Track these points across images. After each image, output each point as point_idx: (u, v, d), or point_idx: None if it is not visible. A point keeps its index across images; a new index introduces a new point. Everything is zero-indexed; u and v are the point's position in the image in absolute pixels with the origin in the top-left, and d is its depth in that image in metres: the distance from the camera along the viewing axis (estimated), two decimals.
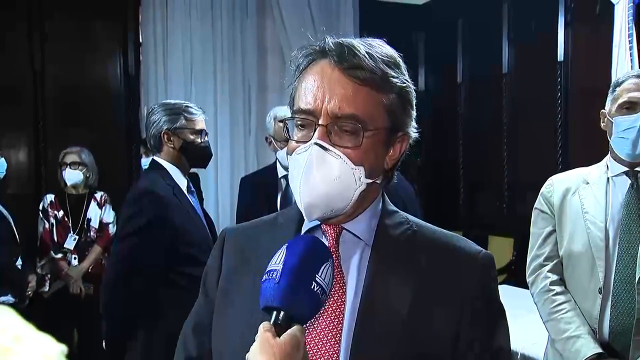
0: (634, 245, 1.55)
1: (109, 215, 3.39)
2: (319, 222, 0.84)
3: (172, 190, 1.96)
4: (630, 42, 2.71)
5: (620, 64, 2.73)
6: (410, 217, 0.88)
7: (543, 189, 1.72)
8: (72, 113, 3.99)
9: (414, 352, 0.77)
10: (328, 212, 0.80)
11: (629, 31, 2.71)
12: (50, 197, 3.32)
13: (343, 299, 0.79)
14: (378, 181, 0.84)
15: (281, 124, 2.36)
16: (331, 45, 0.79)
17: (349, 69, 0.78)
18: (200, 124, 2.06)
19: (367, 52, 0.78)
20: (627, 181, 1.61)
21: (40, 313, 3.19)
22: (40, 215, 3.29)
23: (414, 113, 0.85)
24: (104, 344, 1.95)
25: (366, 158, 0.79)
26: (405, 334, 0.77)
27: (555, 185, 1.69)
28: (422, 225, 0.87)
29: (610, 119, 1.61)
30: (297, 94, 0.82)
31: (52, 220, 3.26)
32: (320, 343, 0.78)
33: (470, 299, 0.80)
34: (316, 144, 0.78)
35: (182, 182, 2.03)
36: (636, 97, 1.56)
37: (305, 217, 0.82)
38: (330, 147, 0.78)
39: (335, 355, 0.77)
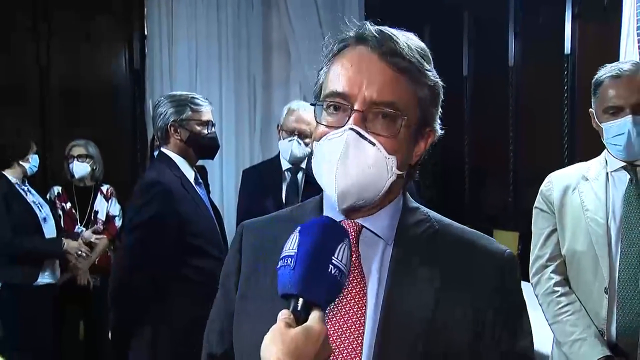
0: (636, 242, 1.53)
1: (114, 208, 3.41)
2: (338, 220, 0.81)
3: (179, 181, 1.96)
4: (639, 34, 2.68)
5: (628, 57, 2.70)
6: (432, 214, 0.86)
7: (542, 187, 1.69)
8: (78, 107, 4.01)
9: (438, 352, 0.76)
10: (359, 202, 0.78)
11: (637, 24, 2.68)
12: (57, 189, 3.36)
13: (364, 300, 0.77)
14: (404, 175, 0.81)
15: (291, 117, 2.37)
16: (372, 31, 0.78)
17: (389, 55, 0.76)
18: (207, 115, 2.06)
19: (405, 42, 0.77)
20: (626, 176, 1.58)
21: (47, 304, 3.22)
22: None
23: (439, 110, 0.84)
24: (110, 334, 1.97)
25: (400, 148, 0.78)
26: (428, 334, 0.75)
27: (554, 182, 1.66)
28: (444, 222, 0.85)
29: (599, 124, 1.59)
30: (328, 78, 0.79)
31: (60, 212, 3.29)
32: (342, 345, 0.75)
33: (492, 300, 0.78)
34: (352, 129, 0.75)
35: (189, 173, 2.04)
36: (618, 103, 1.54)
37: (336, 206, 0.78)
38: (366, 134, 0.75)
39: (358, 356, 0.75)
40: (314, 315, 0.68)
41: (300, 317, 0.68)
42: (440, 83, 0.83)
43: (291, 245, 0.71)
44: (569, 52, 3.55)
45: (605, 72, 1.59)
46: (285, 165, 2.42)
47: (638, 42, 2.73)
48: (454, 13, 4.35)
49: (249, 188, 2.49)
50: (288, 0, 4.20)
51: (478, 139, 4.39)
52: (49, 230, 3.02)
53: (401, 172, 0.79)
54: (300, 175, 2.42)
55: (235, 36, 4.22)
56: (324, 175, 0.78)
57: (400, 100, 0.76)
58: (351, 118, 0.76)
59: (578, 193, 1.61)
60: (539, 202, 1.69)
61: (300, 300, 0.68)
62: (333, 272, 0.69)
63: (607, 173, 1.61)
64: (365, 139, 0.76)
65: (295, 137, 2.34)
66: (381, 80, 0.76)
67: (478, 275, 0.79)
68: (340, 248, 0.71)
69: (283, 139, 2.38)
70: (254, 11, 4.28)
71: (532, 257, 1.70)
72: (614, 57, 2.79)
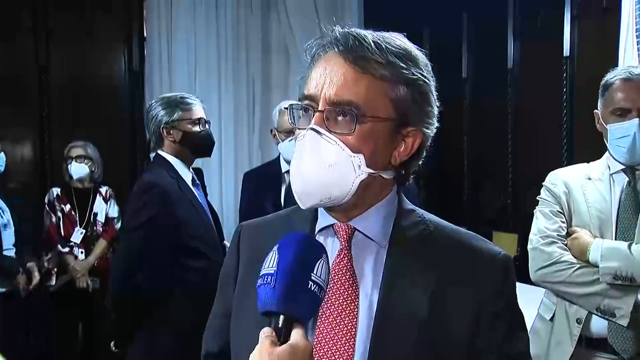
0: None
1: (113, 210, 3.40)
2: (331, 223, 0.82)
3: (176, 183, 1.97)
4: (638, 36, 2.68)
5: (627, 59, 2.70)
6: (427, 216, 0.86)
7: (546, 183, 1.70)
8: (77, 108, 4.01)
9: (433, 354, 0.76)
10: (326, 201, 0.78)
11: (636, 25, 2.68)
12: (56, 191, 3.34)
13: (356, 303, 0.78)
14: (385, 175, 0.81)
15: (285, 117, 2.38)
16: (338, 35, 0.80)
17: (353, 57, 0.78)
18: (198, 113, 2.06)
19: (374, 42, 0.78)
20: (624, 179, 1.61)
21: (46, 307, 3.22)
22: (47, 208, 3.31)
23: (432, 110, 0.83)
24: (112, 344, 1.96)
25: (364, 146, 0.77)
26: (423, 337, 0.76)
27: (558, 178, 1.68)
28: (439, 224, 0.86)
29: (604, 125, 1.60)
30: (306, 82, 0.82)
31: (59, 214, 3.28)
32: (334, 347, 0.76)
33: (488, 301, 0.78)
34: (311, 128, 0.78)
35: (186, 175, 2.04)
36: (626, 105, 1.55)
37: (299, 204, 0.80)
38: (325, 132, 0.77)
39: (350, 358, 0.75)
40: (297, 332, 0.68)
41: (282, 334, 0.69)
42: (430, 83, 0.82)
43: (270, 263, 0.72)
44: (568, 53, 3.55)
45: (615, 74, 1.61)
46: (285, 167, 2.42)
47: (637, 44, 2.73)
48: (454, 15, 4.36)
49: (249, 190, 2.51)
50: (287, 3, 4.21)
51: (477, 141, 4.39)
52: (8, 237, 2.91)
53: (375, 172, 0.79)
54: None
55: (234, 38, 4.22)
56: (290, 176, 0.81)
57: (361, 99, 0.77)
58: (313, 118, 0.78)
59: (582, 192, 1.62)
60: (544, 194, 1.69)
61: (282, 317, 0.69)
62: (313, 288, 0.70)
63: (610, 174, 1.62)
64: (324, 137, 0.77)
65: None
66: (342, 80, 0.77)
67: (473, 276, 0.80)
68: (319, 264, 0.72)
69: (282, 141, 2.39)
70: (253, 13, 4.29)
71: (535, 230, 1.65)
72: (613, 58, 2.80)
